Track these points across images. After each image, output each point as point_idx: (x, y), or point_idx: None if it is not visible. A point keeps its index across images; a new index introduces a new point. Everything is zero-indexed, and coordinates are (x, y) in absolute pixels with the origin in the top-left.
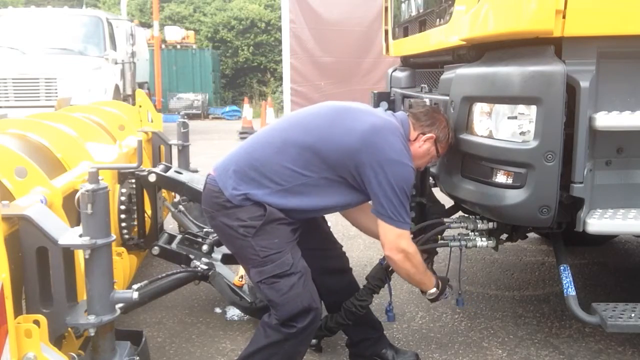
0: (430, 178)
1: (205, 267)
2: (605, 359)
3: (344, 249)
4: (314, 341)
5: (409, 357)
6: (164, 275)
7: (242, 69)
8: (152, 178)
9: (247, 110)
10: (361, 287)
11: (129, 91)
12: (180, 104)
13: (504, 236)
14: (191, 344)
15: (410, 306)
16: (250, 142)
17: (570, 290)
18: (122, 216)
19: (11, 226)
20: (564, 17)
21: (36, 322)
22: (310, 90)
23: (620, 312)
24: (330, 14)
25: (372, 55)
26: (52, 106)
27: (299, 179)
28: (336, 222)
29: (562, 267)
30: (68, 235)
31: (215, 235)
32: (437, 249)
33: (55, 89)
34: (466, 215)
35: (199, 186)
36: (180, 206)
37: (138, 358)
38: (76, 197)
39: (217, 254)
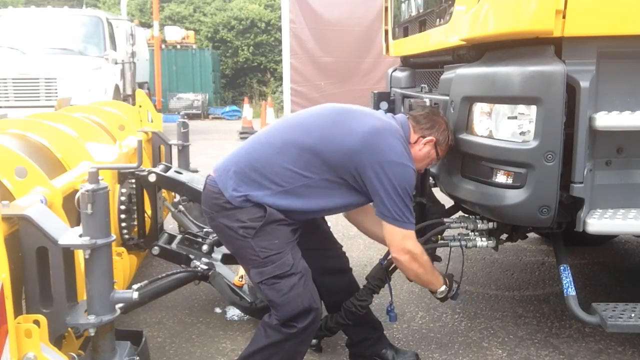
0: (430, 178)
1: (205, 267)
2: (605, 359)
3: (344, 249)
4: (314, 341)
5: (409, 357)
6: (164, 275)
7: (242, 69)
8: (152, 178)
9: (247, 110)
10: (361, 287)
11: (129, 91)
12: (180, 104)
13: (504, 236)
14: (191, 344)
15: (410, 306)
16: (251, 143)
17: (570, 290)
18: (122, 216)
19: (11, 226)
20: (564, 17)
21: (36, 322)
22: (310, 90)
23: (620, 312)
24: (330, 14)
25: (372, 55)
26: (52, 106)
27: (300, 180)
28: (336, 222)
29: (562, 267)
30: (68, 235)
31: (215, 235)
32: (437, 251)
33: (55, 89)
34: (466, 215)
35: (199, 186)
36: (180, 206)
37: (138, 358)
38: (76, 197)
39: (217, 254)
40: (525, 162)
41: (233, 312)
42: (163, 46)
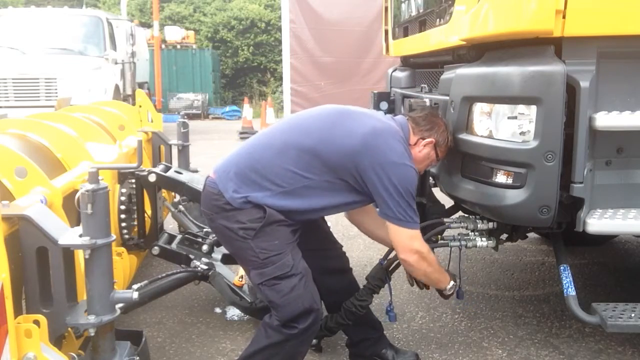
0: (430, 178)
1: (205, 267)
2: (605, 359)
3: (344, 249)
4: (314, 341)
5: (409, 357)
6: (164, 275)
7: (242, 69)
8: (152, 178)
9: (247, 110)
10: (361, 287)
11: (129, 91)
12: (180, 104)
13: (504, 236)
14: (191, 344)
15: (410, 306)
16: (251, 144)
17: (570, 290)
18: (122, 216)
19: (11, 226)
20: (564, 17)
21: (36, 322)
22: (310, 90)
23: (620, 312)
24: (330, 14)
25: (372, 55)
26: (52, 106)
27: (301, 181)
28: (336, 222)
29: (562, 267)
30: (68, 235)
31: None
32: (436, 251)
33: (55, 89)
34: (466, 215)
35: (199, 186)
36: (180, 206)
37: (138, 358)
38: (76, 197)
39: (217, 254)
40: (525, 162)
41: (233, 312)
42: (163, 46)
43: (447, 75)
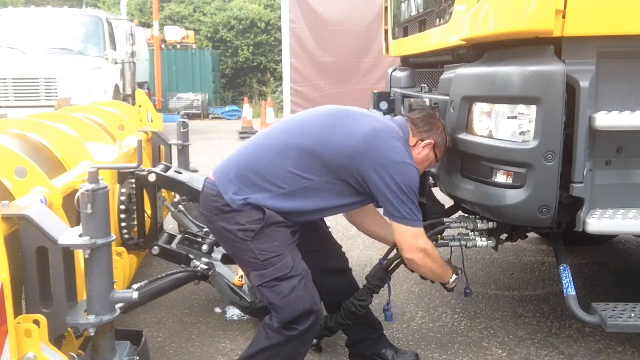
0: (430, 178)
1: (205, 267)
2: (605, 359)
3: (343, 249)
4: (314, 341)
5: (409, 357)
6: (164, 275)
7: (242, 69)
8: (152, 178)
9: (247, 110)
10: (361, 287)
11: (129, 91)
12: (180, 104)
13: (504, 236)
14: (191, 344)
15: (410, 306)
16: (251, 145)
17: (570, 290)
18: (122, 216)
19: (11, 226)
20: (564, 17)
21: (36, 322)
22: (310, 90)
23: (620, 312)
24: (330, 14)
25: (372, 55)
26: (52, 106)
27: (301, 183)
28: (336, 223)
29: (562, 267)
30: (68, 235)
31: None
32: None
33: (55, 89)
34: (466, 215)
35: (199, 186)
36: (180, 206)
37: (138, 358)
38: (76, 197)
39: (217, 254)
40: (525, 162)
41: (233, 312)
42: (163, 46)
43: (447, 75)
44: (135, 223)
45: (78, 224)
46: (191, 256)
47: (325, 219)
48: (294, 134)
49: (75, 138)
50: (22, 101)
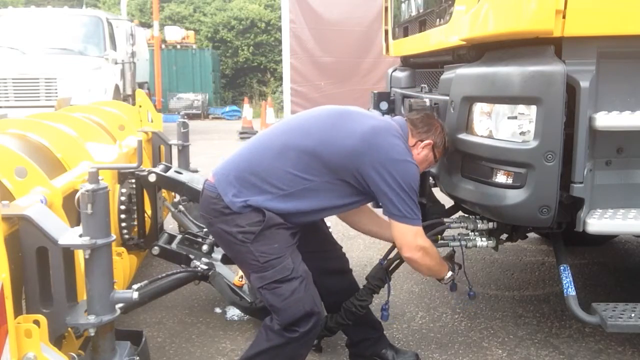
0: (430, 178)
1: (205, 267)
2: (605, 359)
3: (343, 249)
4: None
5: (409, 357)
6: (164, 275)
7: (242, 69)
8: (152, 178)
9: (247, 110)
10: (361, 287)
11: (129, 91)
12: (180, 104)
13: (504, 236)
14: (191, 344)
15: (410, 306)
16: (250, 146)
17: (570, 290)
18: (122, 216)
19: (11, 226)
20: (564, 17)
21: (36, 322)
22: (310, 90)
23: (620, 312)
24: (330, 14)
25: (372, 55)
26: (52, 106)
27: (301, 184)
28: (336, 223)
29: (562, 267)
30: (68, 235)
31: None
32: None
33: (55, 89)
34: (466, 215)
35: (199, 186)
36: (180, 206)
37: (138, 358)
38: (76, 197)
39: (217, 254)
40: (525, 162)
41: (233, 312)
42: (163, 46)
43: (447, 75)
44: (135, 223)
45: (78, 224)
46: (191, 256)
47: (325, 219)
48: (294, 135)
49: (75, 138)
50: (22, 101)
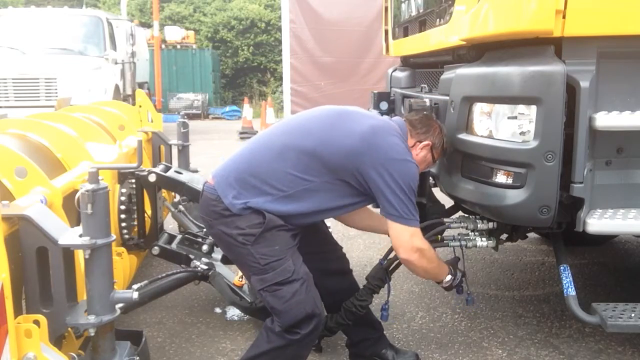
0: (430, 178)
1: (205, 267)
2: (605, 359)
3: (344, 249)
4: None
5: (409, 357)
6: (164, 275)
7: (242, 69)
8: (152, 178)
9: (247, 110)
10: (361, 287)
11: (129, 91)
12: (180, 104)
13: (504, 236)
14: (191, 344)
15: (410, 306)
16: (249, 147)
17: (570, 290)
18: (122, 216)
19: (11, 226)
20: (564, 17)
21: (36, 322)
22: (310, 90)
23: (620, 312)
24: (330, 14)
25: (372, 55)
26: (52, 106)
27: (301, 184)
28: (336, 224)
29: (562, 267)
30: (68, 235)
31: None
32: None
33: (55, 89)
34: (466, 215)
35: (199, 186)
36: (180, 206)
37: (138, 358)
38: (76, 197)
39: (217, 254)
40: (525, 162)
41: (233, 312)
42: (163, 46)
43: (447, 75)
44: (135, 223)
45: (78, 224)
46: (191, 256)
47: (325, 219)
48: (293, 135)
49: (75, 138)
50: (22, 101)
